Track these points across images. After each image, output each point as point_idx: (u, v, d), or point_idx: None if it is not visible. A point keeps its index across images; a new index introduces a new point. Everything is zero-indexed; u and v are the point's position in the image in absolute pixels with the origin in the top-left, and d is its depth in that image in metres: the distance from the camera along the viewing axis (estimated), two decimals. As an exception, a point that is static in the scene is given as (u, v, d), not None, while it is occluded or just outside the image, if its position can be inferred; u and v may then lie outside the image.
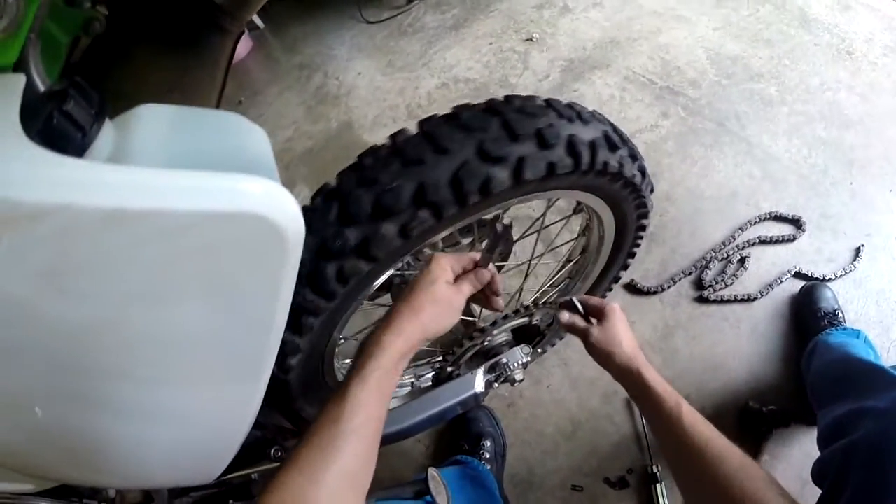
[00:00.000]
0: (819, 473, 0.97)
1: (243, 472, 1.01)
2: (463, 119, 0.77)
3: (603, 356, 0.89)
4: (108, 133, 0.42)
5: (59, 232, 0.32)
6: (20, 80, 0.37)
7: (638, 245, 1.19)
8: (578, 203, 1.08)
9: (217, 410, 0.57)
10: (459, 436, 1.42)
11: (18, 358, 0.39)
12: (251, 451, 1.02)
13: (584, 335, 0.92)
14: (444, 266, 0.76)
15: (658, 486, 1.32)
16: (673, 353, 1.52)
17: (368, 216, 0.73)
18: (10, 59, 0.38)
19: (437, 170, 0.73)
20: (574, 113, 0.84)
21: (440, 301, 0.73)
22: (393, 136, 0.78)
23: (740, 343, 1.52)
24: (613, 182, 0.92)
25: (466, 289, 0.77)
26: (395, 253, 0.78)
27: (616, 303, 0.94)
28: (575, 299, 0.97)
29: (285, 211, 0.38)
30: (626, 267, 1.27)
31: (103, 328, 0.39)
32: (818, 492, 0.92)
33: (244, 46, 3.36)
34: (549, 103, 0.83)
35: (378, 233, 0.73)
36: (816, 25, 2.26)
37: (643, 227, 1.13)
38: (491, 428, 1.41)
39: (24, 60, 0.41)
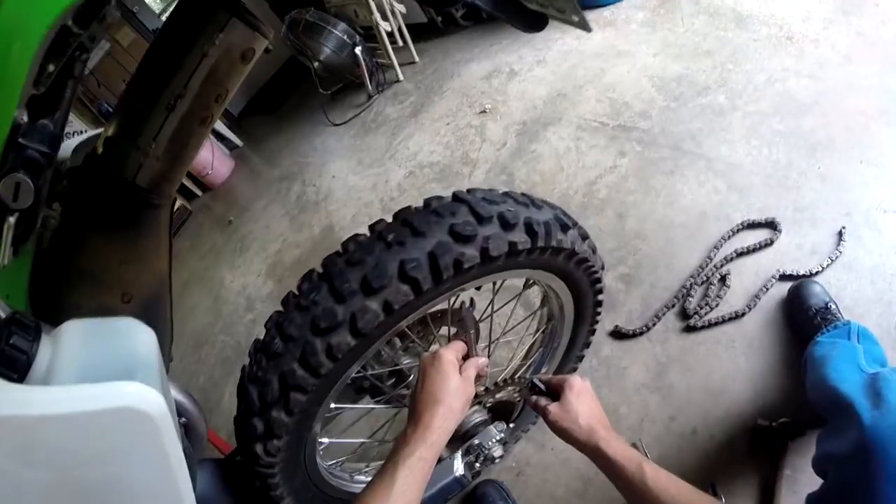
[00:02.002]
0: None
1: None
2: (351, 253, 0.86)
3: (562, 433, 0.92)
4: (45, 348, 0.58)
5: (13, 429, 0.49)
6: None
7: (600, 292, 1.19)
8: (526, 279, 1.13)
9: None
10: (475, 516, 1.43)
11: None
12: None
13: (543, 414, 0.95)
14: (451, 359, 0.86)
15: (681, 528, 1.29)
16: (670, 390, 1.50)
17: (274, 393, 0.84)
18: None
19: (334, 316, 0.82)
20: (421, 223, 0.84)
21: (462, 394, 0.84)
22: (300, 286, 0.89)
23: (738, 363, 1.49)
24: (492, 262, 0.87)
25: (472, 375, 0.88)
26: (312, 402, 0.88)
27: (578, 375, 0.97)
28: (535, 379, 1.01)
29: (150, 401, 0.54)
30: (595, 323, 1.28)
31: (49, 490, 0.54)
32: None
33: (227, 167, 3.65)
34: (405, 220, 0.86)
35: (288, 399, 0.83)
36: (752, 21, 2.31)
37: (584, 260, 1.06)
38: (502, 501, 1.42)
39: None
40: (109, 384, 0.53)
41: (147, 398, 0.54)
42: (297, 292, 0.87)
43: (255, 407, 0.84)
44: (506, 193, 0.93)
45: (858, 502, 0.77)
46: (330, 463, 1.15)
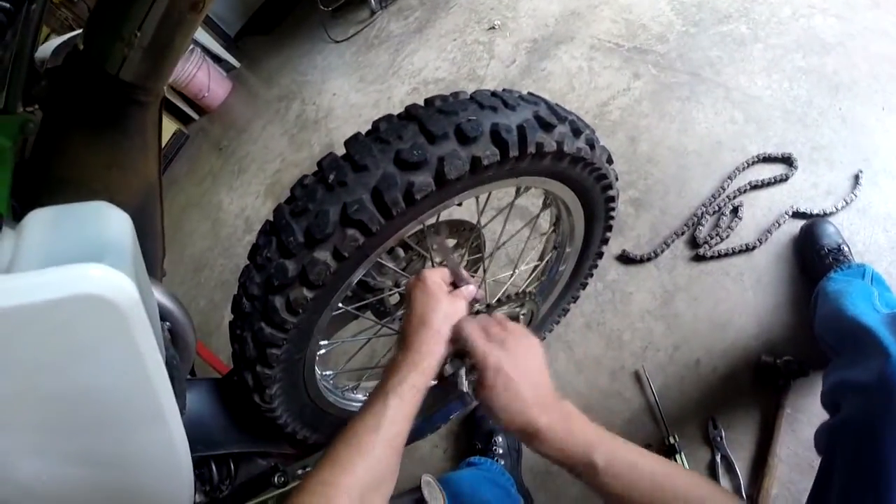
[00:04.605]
0: (816, 448, 0.93)
1: (252, 502, 1.05)
2: (381, 132, 0.78)
3: (499, 399, 0.70)
4: (9, 240, 0.54)
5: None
6: None
7: (612, 219, 1.16)
8: (546, 197, 1.07)
9: (146, 448, 0.66)
10: (472, 436, 1.44)
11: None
12: (257, 480, 1.07)
13: (482, 356, 0.73)
14: (437, 280, 0.81)
15: (678, 456, 1.30)
16: (675, 319, 1.49)
17: (302, 245, 0.77)
18: None
19: (357, 189, 0.75)
20: (499, 101, 0.82)
21: (452, 317, 0.77)
22: (320, 162, 0.81)
23: (745, 296, 1.47)
24: (558, 161, 0.88)
25: (463, 303, 0.82)
26: (339, 274, 0.80)
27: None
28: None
29: (118, 287, 0.48)
30: (605, 241, 1.24)
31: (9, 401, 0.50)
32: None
33: (223, 89, 3.49)
34: (472, 97, 0.83)
35: (314, 260, 0.76)
36: (778, -49, 2.16)
37: (612, 199, 1.10)
38: (501, 423, 1.42)
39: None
40: (69, 267, 0.46)
41: (114, 283, 0.47)
42: (371, 127, 0.81)
43: (297, 244, 0.78)
44: (471, 98, 0.84)
45: (878, 433, 0.74)
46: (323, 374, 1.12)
